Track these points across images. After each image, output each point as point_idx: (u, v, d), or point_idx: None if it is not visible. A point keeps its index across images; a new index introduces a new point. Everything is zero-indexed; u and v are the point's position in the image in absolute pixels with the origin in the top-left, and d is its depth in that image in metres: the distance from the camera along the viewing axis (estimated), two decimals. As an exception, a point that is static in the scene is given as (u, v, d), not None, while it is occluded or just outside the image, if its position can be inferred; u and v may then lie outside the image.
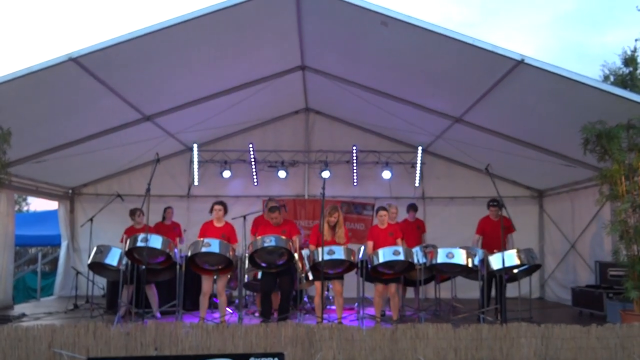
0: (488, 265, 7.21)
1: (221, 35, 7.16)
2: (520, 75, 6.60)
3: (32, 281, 13.92)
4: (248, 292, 8.84)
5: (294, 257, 6.95)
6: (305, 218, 11.00)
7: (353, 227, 10.86)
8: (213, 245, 6.70)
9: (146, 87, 8.01)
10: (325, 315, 6.89)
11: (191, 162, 10.88)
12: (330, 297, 8.75)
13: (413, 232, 8.72)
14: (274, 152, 10.86)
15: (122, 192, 9.88)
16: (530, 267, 7.37)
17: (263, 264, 7.00)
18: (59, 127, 8.12)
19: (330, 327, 4.91)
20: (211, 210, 7.22)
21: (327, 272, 6.71)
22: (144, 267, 6.86)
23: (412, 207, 9.13)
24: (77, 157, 8.90)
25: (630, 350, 4.86)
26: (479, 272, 7.32)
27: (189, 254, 6.78)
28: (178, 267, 7.00)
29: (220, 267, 6.96)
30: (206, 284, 7.07)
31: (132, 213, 8.06)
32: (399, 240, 7.21)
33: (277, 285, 7.19)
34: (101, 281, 9.37)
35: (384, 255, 6.86)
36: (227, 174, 10.72)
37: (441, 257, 7.16)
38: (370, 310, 7.67)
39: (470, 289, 8.94)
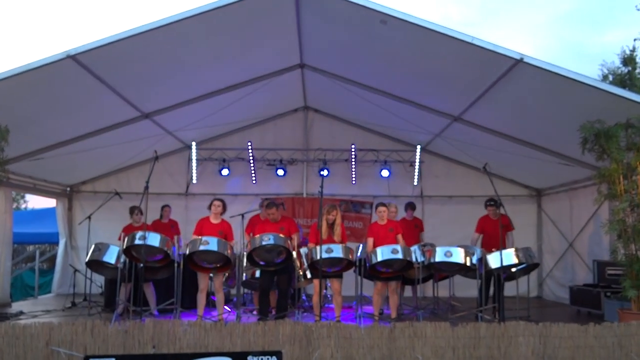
0: (486, 264, 7.21)
1: (220, 33, 7.15)
2: (519, 74, 6.60)
3: (29, 279, 13.91)
4: (246, 290, 8.83)
5: (292, 255, 6.95)
6: (303, 216, 10.99)
7: (351, 226, 10.87)
8: (211, 244, 6.69)
9: (145, 85, 8.00)
10: (323, 314, 6.90)
11: (190, 160, 10.87)
12: (329, 296, 8.74)
13: (411, 230, 8.71)
14: (273, 151, 10.85)
15: (120, 190, 9.87)
16: (528, 266, 7.37)
17: (261, 262, 6.99)
18: (57, 124, 8.10)
19: (328, 325, 4.90)
20: (210, 206, 7.21)
21: (325, 270, 6.70)
22: (142, 265, 6.85)
23: (410, 206, 9.12)
24: (75, 155, 8.88)
25: (628, 348, 4.86)
26: (477, 271, 7.32)
27: (187, 251, 6.78)
28: (176, 265, 7.00)
29: (218, 265, 6.96)
30: (202, 281, 7.07)
31: (132, 210, 8.06)
32: (399, 237, 7.20)
33: (275, 284, 7.18)
34: (99, 279, 9.39)
35: (382, 253, 6.85)
36: (225, 172, 10.71)
37: (439, 256, 7.16)
38: (369, 309, 7.67)
39: (468, 288, 8.95)
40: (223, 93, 8.83)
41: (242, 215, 7.99)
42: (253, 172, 10.86)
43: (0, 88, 6.36)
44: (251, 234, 7.52)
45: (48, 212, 13.00)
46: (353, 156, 10.61)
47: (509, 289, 7.76)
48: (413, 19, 6.25)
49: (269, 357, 4.45)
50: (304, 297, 8.73)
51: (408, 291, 8.90)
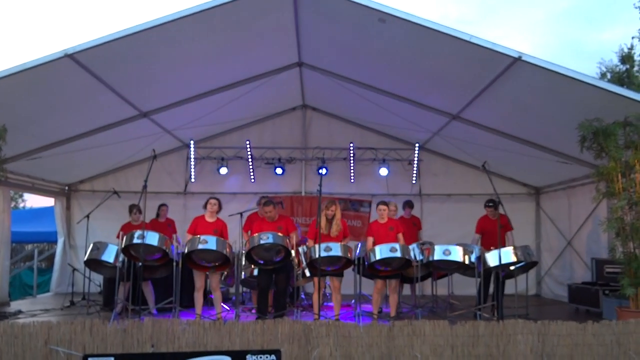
0: (485, 262, 7.21)
1: (218, 32, 7.14)
2: (517, 72, 6.60)
3: (28, 278, 13.89)
4: (245, 289, 8.83)
5: (291, 254, 6.94)
6: (302, 215, 10.99)
7: (350, 224, 10.80)
8: (210, 242, 6.69)
9: (143, 84, 7.98)
10: (322, 312, 6.90)
11: (188, 158, 10.86)
12: (328, 294, 8.75)
13: (409, 229, 8.71)
14: (271, 149, 10.85)
15: (118, 188, 9.83)
16: (526, 264, 7.38)
17: (260, 261, 6.99)
18: (55, 123, 8.09)
19: (327, 323, 4.90)
20: (205, 205, 7.20)
21: (323, 269, 6.70)
22: (140, 263, 6.84)
23: (408, 204, 9.13)
24: (74, 154, 8.86)
25: (626, 346, 4.87)
26: (476, 269, 7.33)
27: (186, 250, 6.77)
28: (174, 264, 6.99)
29: (217, 263, 6.95)
30: (198, 280, 7.05)
31: (131, 209, 8.05)
32: (399, 235, 7.19)
33: (274, 282, 7.18)
34: (97, 278, 9.37)
35: (381, 252, 6.85)
36: (224, 170, 10.71)
37: (438, 254, 7.17)
38: (368, 307, 7.67)
39: (467, 286, 8.96)
40: (221, 91, 8.82)
41: (241, 214, 7.98)
42: (251, 170, 10.86)
43: (-3, 87, 6.36)
44: (249, 232, 7.52)
45: (46, 211, 12.97)
46: (351, 155, 10.61)
47: (508, 287, 7.78)
48: (411, 17, 6.24)
49: (268, 355, 4.45)
50: (302, 296, 8.73)
51: (407, 289, 8.91)
